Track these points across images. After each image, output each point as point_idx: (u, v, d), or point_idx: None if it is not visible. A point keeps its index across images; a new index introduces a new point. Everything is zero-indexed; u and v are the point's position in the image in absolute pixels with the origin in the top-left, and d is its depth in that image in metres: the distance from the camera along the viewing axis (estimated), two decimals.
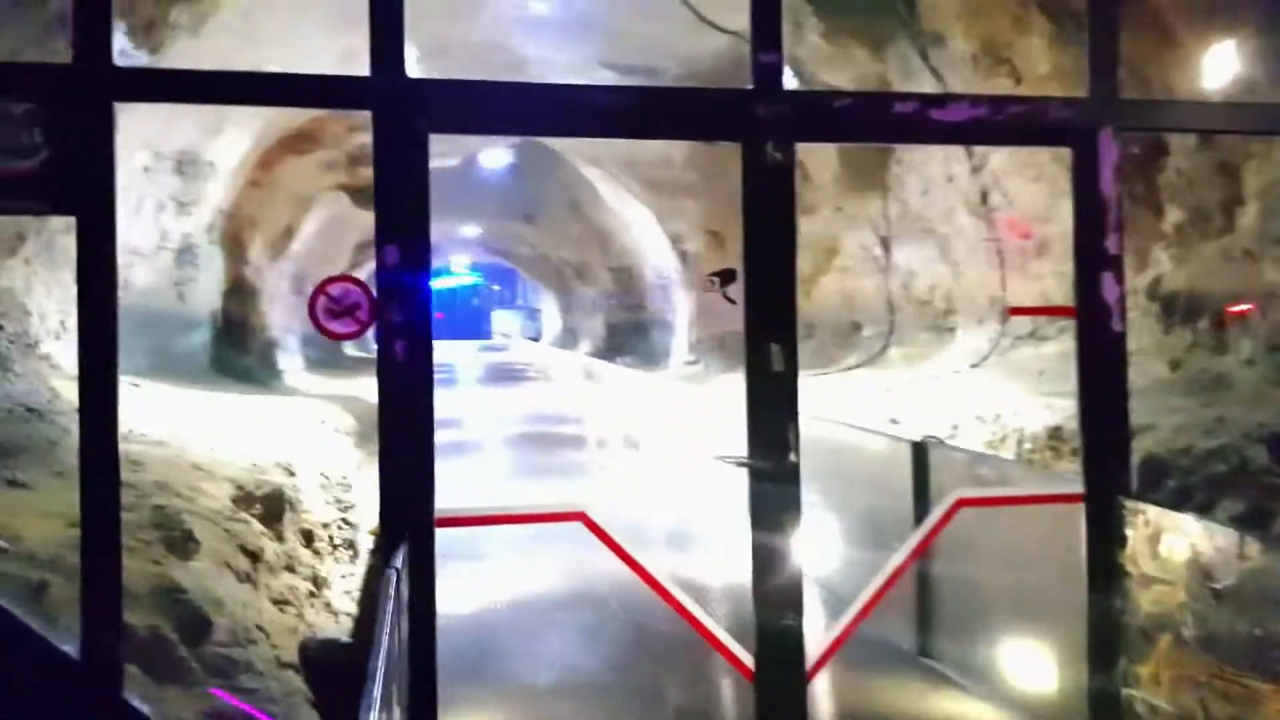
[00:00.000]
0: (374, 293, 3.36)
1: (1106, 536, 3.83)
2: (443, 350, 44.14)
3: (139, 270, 9.81)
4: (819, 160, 13.08)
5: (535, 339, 41.66)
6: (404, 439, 3.35)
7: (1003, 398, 7.73)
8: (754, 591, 3.68)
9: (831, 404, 9.57)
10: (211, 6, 7.41)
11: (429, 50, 12.42)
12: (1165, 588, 3.58)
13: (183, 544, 4.27)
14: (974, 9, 8.58)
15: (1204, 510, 4.83)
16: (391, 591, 2.67)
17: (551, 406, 18.78)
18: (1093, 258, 3.95)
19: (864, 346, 12.53)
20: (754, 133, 3.67)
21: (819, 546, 6.97)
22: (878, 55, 10.49)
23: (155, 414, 6.96)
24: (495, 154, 20.22)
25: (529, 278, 42.01)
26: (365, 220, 20.69)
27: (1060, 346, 8.30)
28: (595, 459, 13.36)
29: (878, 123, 3.83)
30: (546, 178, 22.70)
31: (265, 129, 11.87)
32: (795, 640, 3.67)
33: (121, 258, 10.21)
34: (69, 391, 6.34)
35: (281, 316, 16.31)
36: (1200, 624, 3.41)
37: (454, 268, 47.35)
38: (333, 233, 20.06)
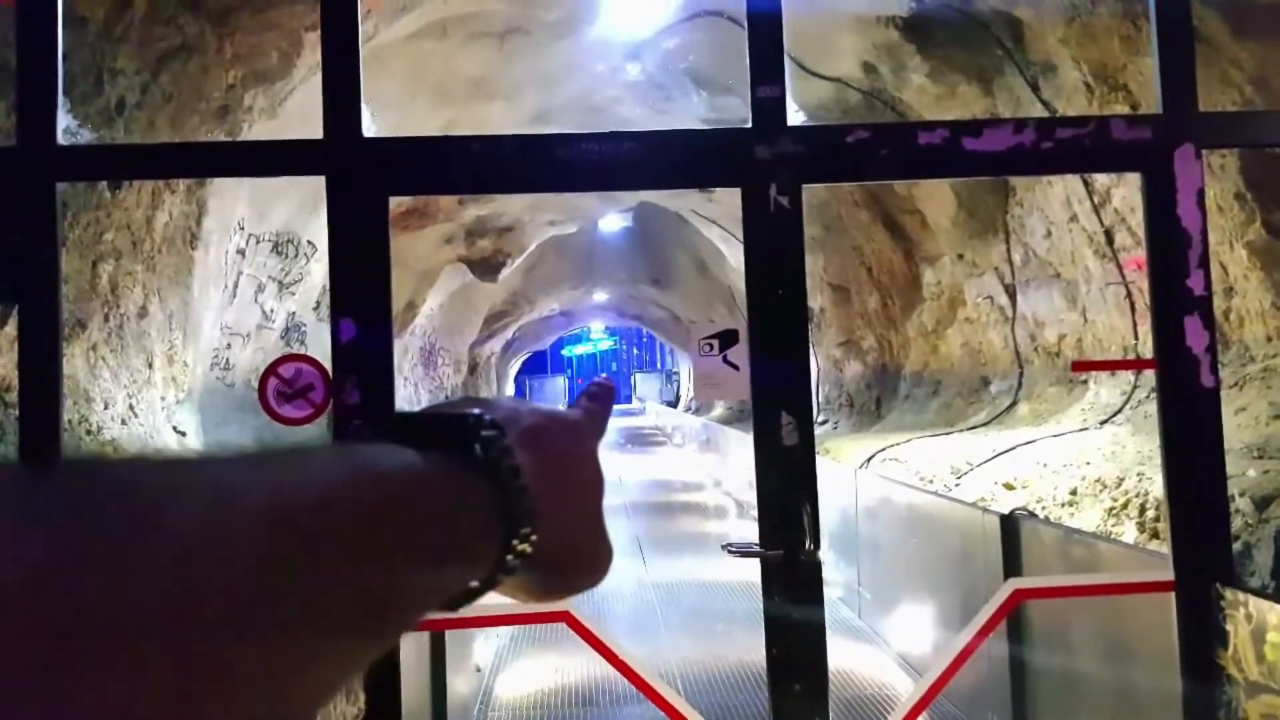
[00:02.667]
0: (329, 372, 3.09)
1: (1202, 632, 3.17)
2: None
3: (238, 351, 10.03)
4: (935, 206, 12.45)
5: (672, 403, 41.32)
6: None
7: (1130, 458, 6.91)
8: (771, 707, 3.18)
9: (945, 467, 8.87)
10: (287, 85, 7.50)
11: (533, 115, 12.52)
12: (1274, 698, 2.90)
13: None
14: (1081, 33, 7.94)
15: None
16: None
17: (675, 473, 18.48)
18: (1174, 300, 3.33)
19: (993, 403, 11.69)
20: (754, 177, 3.26)
21: (904, 626, 6.36)
22: (987, 91, 9.90)
23: None
24: (612, 218, 20.24)
25: (665, 341, 41.98)
26: (492, 291, 20.97)
27: None
28: (710, 529, 12.90)
29: (900, 157, 3.34)
30: (669, 239, 22.60)
31: None
32: None
33: (218, 339, 10.42)
34: None
35: (404, 389, 16.56)
36: None
37: (592, 334, 47.92)
38: (460, 304, 20.40)
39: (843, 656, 6.29)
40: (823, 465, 7.85)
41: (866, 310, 16.41)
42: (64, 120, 3.10)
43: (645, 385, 53.52)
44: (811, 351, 19.50)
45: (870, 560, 7.17)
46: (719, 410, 26.58)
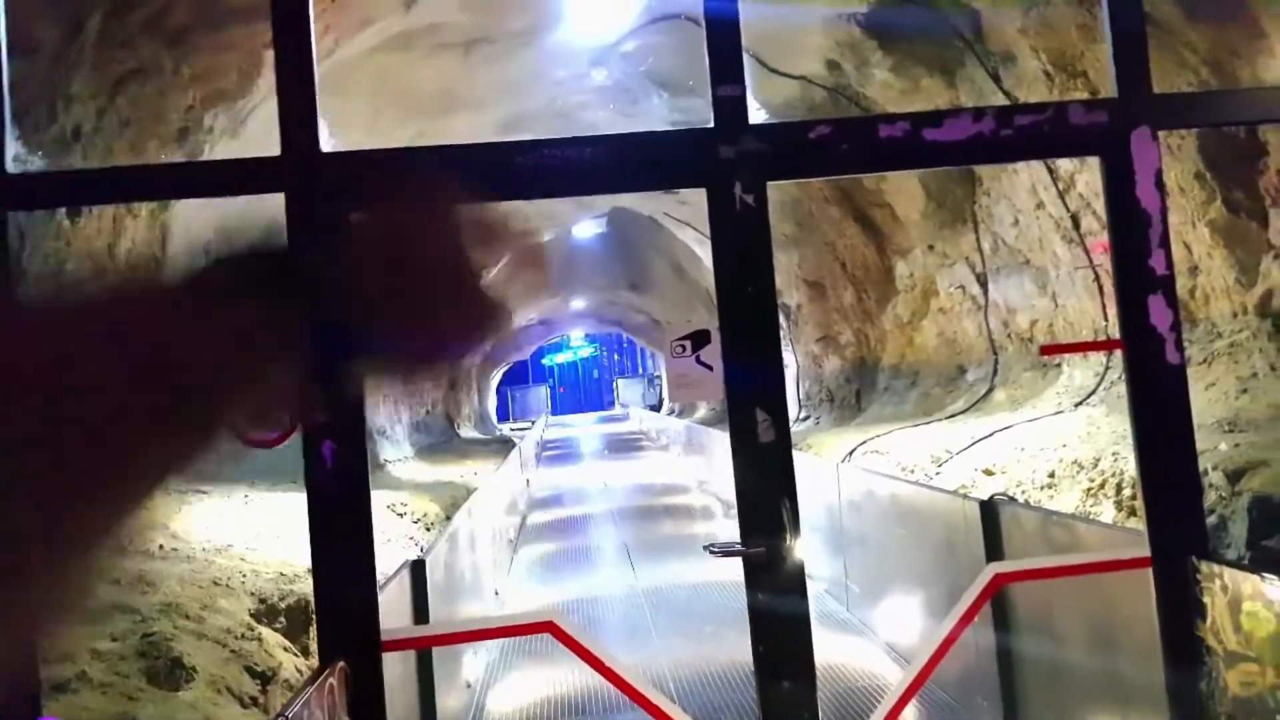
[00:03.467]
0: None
1: (1180, 605, 3.20)
2: (564, 425, 44.70)
3: None
4: (904, 198, 12.52)
5: (655, 407, 41.29)
6: (338, 551, 3.03)
7: (1105, 439, 6.97)
8: (760, 704, 3.19)
9: (926, 456, 8.92)
10: (248, 104, 7.46)
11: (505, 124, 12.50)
12: (1251, 666, 2.94)
13: (169, 673, 4.04)
14: (1039, 23, 8.01)
15: None
16: None
17: (660, 477, 18.53)
18: (1137, 280, 3.37)
19: (970, 391, 11.76)
20: (718, 176, 3.28)
21: (891, 616, 6.39)
22: (950, 83, 9.97)
23: (207, 525, 6.91)
24: (586, 225, 20.22)
25: (645, 345, 41.97)
26: None
27: None
28: (697, 530, 12.92)
29: (863, 151, 3.37)
30: (645, 243, 22.61)
31: None
32: None
33: None
34: None
35: (384, 407, 16.47)
36: None
37: (572, 341, 47.92)
38: None
39: (832, 650, 6.31)
40: (805, 460, 7.87)
41: (842, 305, 16.48)
42: (13, 148, 3.07)
43: (628, 391, 53.42)
44: (790, 348, 19.60)
45: (856, 553, 7.20)
46: (702, 411, 26.61)
